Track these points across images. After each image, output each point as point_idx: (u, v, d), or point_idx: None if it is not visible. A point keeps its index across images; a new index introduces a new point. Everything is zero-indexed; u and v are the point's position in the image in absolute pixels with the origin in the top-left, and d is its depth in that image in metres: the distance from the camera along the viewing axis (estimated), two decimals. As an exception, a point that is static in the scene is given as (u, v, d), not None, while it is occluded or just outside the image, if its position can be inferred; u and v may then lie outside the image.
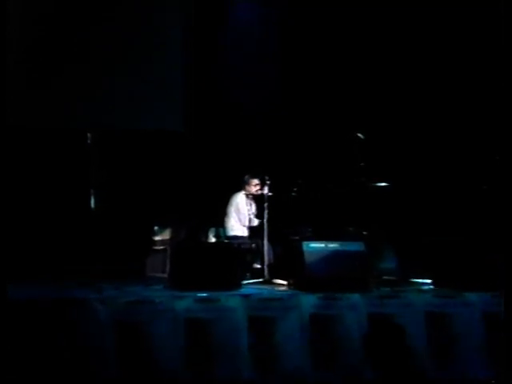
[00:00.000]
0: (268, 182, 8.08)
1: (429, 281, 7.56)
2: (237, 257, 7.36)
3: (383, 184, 8.04)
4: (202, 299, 6.33)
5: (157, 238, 9.01)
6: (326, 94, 10.03)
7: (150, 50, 9.56)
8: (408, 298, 6.81)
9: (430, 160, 9.44)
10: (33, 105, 8.94)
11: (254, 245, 8.56)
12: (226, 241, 8.65)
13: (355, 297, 6.68)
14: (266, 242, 7.99)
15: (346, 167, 8.25)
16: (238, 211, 8.79)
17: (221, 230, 8.87)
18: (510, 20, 6.04)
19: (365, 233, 7.79)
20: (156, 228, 9.09)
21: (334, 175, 8.66)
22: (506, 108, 6.05)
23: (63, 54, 9.13)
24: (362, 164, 7.93)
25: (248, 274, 7.96)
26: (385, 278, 7.77)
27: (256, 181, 8.69)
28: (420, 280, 7.74)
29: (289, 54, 10.10)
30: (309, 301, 6.58)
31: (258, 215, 8.35)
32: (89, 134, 7.42)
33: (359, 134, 8.11)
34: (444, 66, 9.70)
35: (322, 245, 7.19)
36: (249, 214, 8.67)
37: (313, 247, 7.17)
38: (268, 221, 7.99)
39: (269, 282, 7.78)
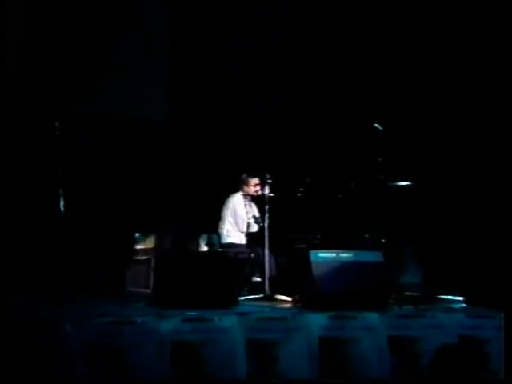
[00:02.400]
0: (269, 181, 8.03)
1: (460, 298, 7.49)
2: (233, 268, 7.31)
3: (405, 183, 7.96)
4: (192, 319, 6.25)
5: (138, 247, 8.90)
6: (339, 79, 10.18)
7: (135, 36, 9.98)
8: (436, 318, 6.71)
9: (459, 154, 9.50)
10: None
11: (253, 254, 8.48)
12: (221, 249, 8.61)
13: (372, 316, 6.59)
14: (266, 250, 7.91)
15: (361, 163, 8.26)
16: (234, 215, 8.77)
17: (214, 236, 8.82)
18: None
19: (383, 240, 7.72)
20: (137, 235, 8.96)
21: (346, 173, 8.64)
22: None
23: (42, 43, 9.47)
24: (379, 159, 7.86)
25: (246, 289, 7.96)
26: (407, 293, 7.73)
27: (255, 180, 8.69)
28: (449, 297, 7.70)
29: (294, 40, 10.34)
30: (318, 321, 6.48)
31: (258, 219, 8.27)
32: (57, 124, 7.22)
33: (376, 125, 8.05)
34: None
35: (333, 254, 7.13)
36: (247, 218, 8.60)
37: (322, 257, 7.08)
38: (269, 226, 7.92)
39: (270, 298, 7.73)
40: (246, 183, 8.74)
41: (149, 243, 8.85)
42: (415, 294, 7.81)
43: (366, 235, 7.96)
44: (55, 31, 9.51)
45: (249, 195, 8.63)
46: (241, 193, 8.76)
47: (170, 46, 10.16)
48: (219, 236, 8.80)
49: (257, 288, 7.96)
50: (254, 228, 8.46)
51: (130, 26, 9.92)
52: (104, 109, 9.61)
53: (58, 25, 9.52)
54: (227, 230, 8.77)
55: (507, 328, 5.87)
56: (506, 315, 5.99)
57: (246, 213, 8.65)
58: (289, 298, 7.55)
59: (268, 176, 8.03)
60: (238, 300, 7.13)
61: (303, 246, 7.82)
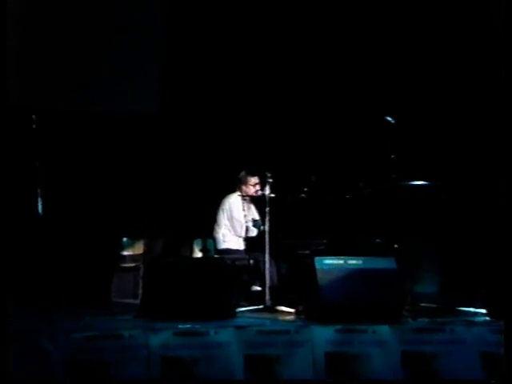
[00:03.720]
0: (270, 181, 7.96)
1: (482, 310, 7.42)
2: (230, 277, 7.30)
3: (420, 182, 7.92)
4: (185, 332, 6.22)
5: (125, 253, 9.00)
6: (347, 68, 10.16)
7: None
8: (455, 332, 6.67)
9: (482, 150, 9.39)
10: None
11: (252, 261, 8.42)
12: (216, 256, 8.62)
13: (384, 330, 6.56)
14: (267, 257, 7.85)
15: (372, 161, 8.31)
16: (230, 218, 8.73)
17: (209, 241, 8.85)
18: None
19: (396, 245, 7.63)
20: (124, 240, 9.06)
21: (355, 171, 8.71)
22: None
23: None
24: (392, 156, 7.77)
25: (244, 299, 7.94)
26: (423, 304, 7.71)
27: (255, 179, 8.66)
28: (470, 309, 7.65)
29: (297, 34, 10.34)
30: (324, 335, 6.45)
31: (258, 223, 8.27)
32: (34, 117, 7.13)
33: (388, 118, 7.97)
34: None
35: (341, 261, 7.11)
36: (245, 222, 8.52)
37: (328, 264, 7.06)
38: (270, 230, 7.85)
39: (271, 309, 7.70)
40: (245, 182, 8.69)
41: (137, 249, 9.00)
42: (432, 305, 7.83)
43: (377, 240, 7.97)
44: (38, 22, 9.49)
45: (247, 196, 8.59)
46: (238, 193, 8.70)
47: (164, 37, 10.16)
48: (215, 241, 8.77)
49: (256, 298, 7.89)
50: (253, 232, 8.41)
51: (120, 17, 9.92)
52: (88, 102, 9.58)
53: (41, 15, 9.49)
54: (223, 235, 8.72)
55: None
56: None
57: (245, 215, 8.55)
58: (292, 310, 7.51)
59: (269, 174, 7.94)
60: (236, 311, 7.11)
61: (307, 252, 7.81)
